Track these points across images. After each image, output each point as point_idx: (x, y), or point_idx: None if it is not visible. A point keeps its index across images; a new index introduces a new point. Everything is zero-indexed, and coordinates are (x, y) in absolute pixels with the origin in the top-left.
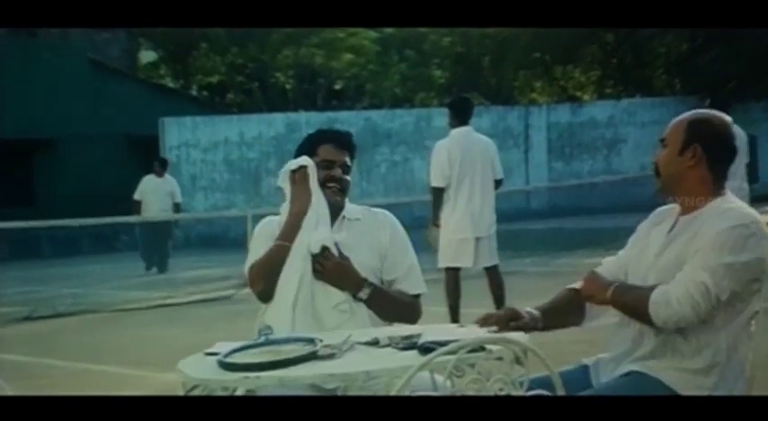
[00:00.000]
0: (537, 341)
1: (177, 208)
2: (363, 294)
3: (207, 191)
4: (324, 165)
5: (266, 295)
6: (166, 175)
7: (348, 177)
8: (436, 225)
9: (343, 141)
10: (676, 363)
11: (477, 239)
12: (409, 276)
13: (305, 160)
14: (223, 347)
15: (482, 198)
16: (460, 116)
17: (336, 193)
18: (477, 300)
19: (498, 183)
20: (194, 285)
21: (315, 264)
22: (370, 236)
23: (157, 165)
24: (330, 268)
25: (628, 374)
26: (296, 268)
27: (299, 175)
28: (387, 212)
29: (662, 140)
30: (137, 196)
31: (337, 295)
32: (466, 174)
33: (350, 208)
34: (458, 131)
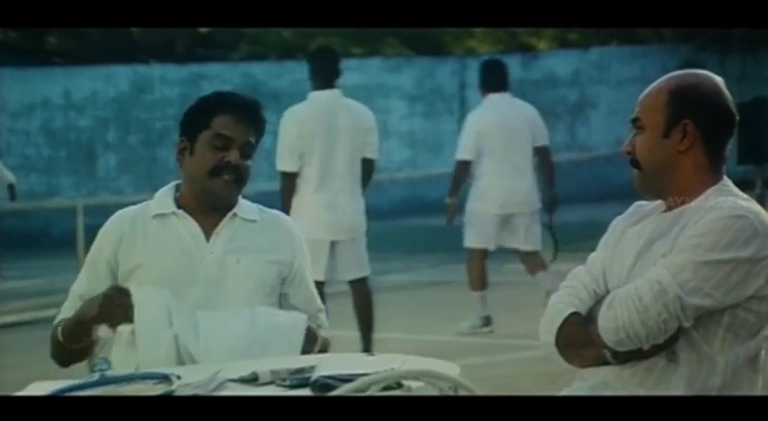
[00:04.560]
0: (481, 374)
1: (12, 192)
2: None
3: (19, 171)
4: (217, 144)
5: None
6: None
7: (249, 162)
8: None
9: (247, 112)
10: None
11: (334, 243)
12: (309, 294)
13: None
14: (41, 388)
15: (348, 187)
16: (324, 74)
17: (229, 186)
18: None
19: (370, 164)
20: (2, 302)
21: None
22: (268, 243)
23: None
24: None
25: None
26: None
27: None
28: (284, 216)
29: (635, 121)
30: None
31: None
32: (327, 152)
33: (244, 204)
34: (319, 95)
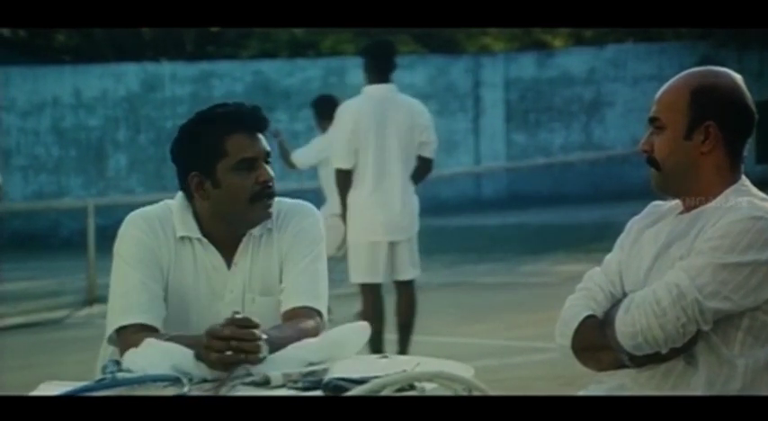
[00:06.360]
0: (495, 377)
1: None
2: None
3: (27, 171)
4: (243, 167)
5: None
6: None
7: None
8: (343, 219)
9: (255, 123)
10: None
11: (393, 244)
12: (299, 286)
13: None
14: (50, 390)
15: (402, 186)
16: (379, 68)
17: (269, 208)
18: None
19: (427, 163)
20: (8, 304)
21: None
22: (277, 262)
23: None
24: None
25: None
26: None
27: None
28: (306, 206)
29: (653, 120)
30: None
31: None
32: (380, 149)
33: None
34: (374, 90)
